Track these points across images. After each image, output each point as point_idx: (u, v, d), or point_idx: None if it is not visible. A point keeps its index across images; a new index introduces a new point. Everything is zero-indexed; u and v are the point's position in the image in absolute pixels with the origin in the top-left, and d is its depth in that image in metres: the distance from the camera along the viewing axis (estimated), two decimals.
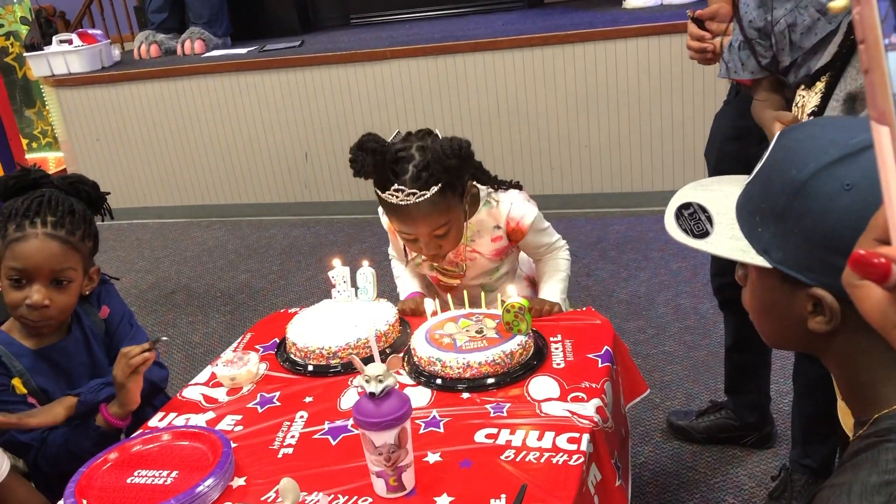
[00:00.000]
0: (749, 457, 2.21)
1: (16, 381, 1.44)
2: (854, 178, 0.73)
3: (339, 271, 1.59)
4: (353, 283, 1.62)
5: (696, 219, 0.85)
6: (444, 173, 1.50)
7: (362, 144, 1.52)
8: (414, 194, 1.50)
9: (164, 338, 1.57)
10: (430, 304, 1.57)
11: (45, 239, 1.42)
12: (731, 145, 1.88)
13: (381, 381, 1.07)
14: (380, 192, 1.56)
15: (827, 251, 0.75)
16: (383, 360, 1.10)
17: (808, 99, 1.35)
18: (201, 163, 4.59)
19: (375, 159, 1.51)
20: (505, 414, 1.27)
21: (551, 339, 1.49)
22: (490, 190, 1.70)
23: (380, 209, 1.75)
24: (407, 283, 1.87)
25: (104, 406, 1.43)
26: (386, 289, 1.81)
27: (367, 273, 1.61)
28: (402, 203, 1.52)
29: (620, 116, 3.84)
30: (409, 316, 1.67)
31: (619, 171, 3.95)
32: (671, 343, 2.82)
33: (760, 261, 0.80)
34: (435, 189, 1.51)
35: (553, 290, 1.75)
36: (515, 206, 1.68)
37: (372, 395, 1.08)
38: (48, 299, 1.42)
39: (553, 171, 4.02)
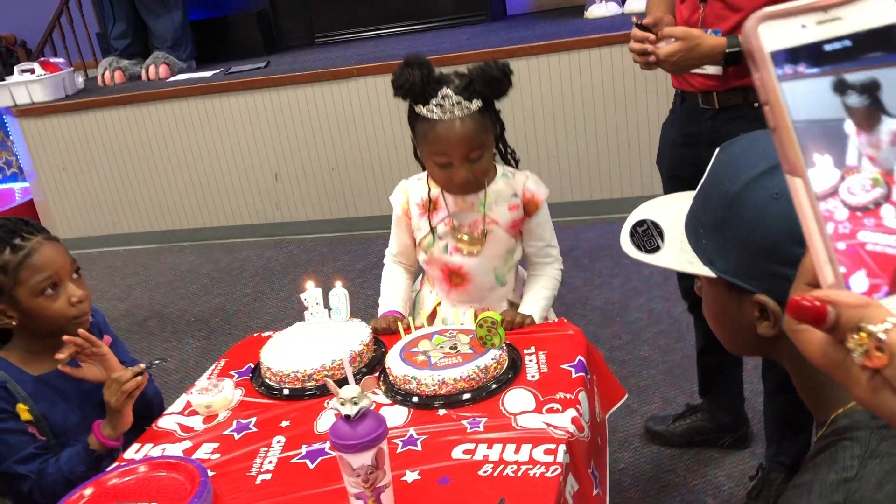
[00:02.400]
0: (727, 458, 2.24)
1: (21, 407, 1.43)
2: (781, 187, 0.75)
3: (311, 293, 1.59)
4: (326, 305, 1.62)
5: (648, 235, 0.89)
6: (487, 86, 1.58)
7: (408, 62, 1.58)
8: (459, 104, 1.57)
9: (157, 361, 1.57)
10: (401, 325, 1.58)
11: (48, 243, 1.45)
12: (682, 151, 1.91)
13: (355, 403, 1.07)
14: (421, 109, 1.60)
15: (764, 259, 0.78)
16: (358, 382, 1.11)
17: None
18: (170, 187, 4.56)
19: (422, 73, 1.56)
20: (482, 429, 1.28)
21: (525, 351, 1.50)
22: (506, 167, 1.77)
23: (392, 198, 1.81)
24: (389, 299, 1.84)
25: (97, 427, 1.42)
26: (361, 306, 1.81)
27: (339, 293, 1.61)
28: (445, 118, 1.57)
29: (587, 125, 3.88)
30: (384, 335, 1.67)
31: (589, 180, 3.98)
32: (646, 348, 2.85)
33: (707, 271, 0.83)
34: (478, 103, 1.59)
35: (534, 304, 1.75)
36: (531, 180, 1.76)
37: (347, 417, 1.08)
38: (83, 292, 1.47)
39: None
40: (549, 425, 1.26)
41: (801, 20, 0.43)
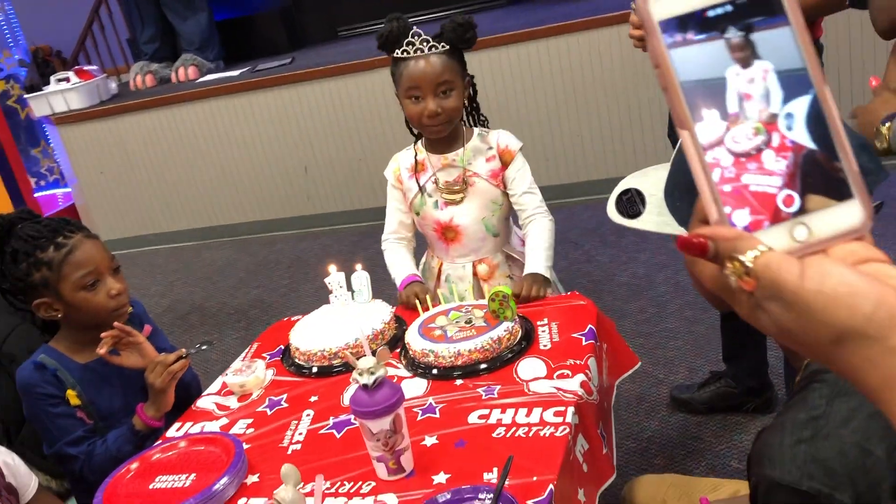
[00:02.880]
0: (752, 422, 2.28)
1: (70, 393, 1.54)
2: None
3: (334, 277, 1.68)
4: (350, 287, 1.71)
5: (632, 202, 0.95)
6: (453, 32, 1.74)
7: (388, 18, 1.77)
8: (427, 42, 1.73)
9: (202, 346, 1.68)
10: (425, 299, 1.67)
11: (88, 241, 1.55)
12: None
13: (372, 374, 1.16)
14: (396, 53, 1.77)
15: None
16: (374, 355, 1.19)
17: None
18: (206, 185, 4.70)
19: (398, 24, 1.74)
20: (496, 395, 1.36)
21: (538, 322, 1.57)
22: (481, 129, 1.94)
23: (385, 171, 1.97)
24: (402, 267, 1.95)
25: (140, 409, 1.53)
26: (382, 288, 1.90)
27: (361, 276, 1.69)
28: (414, 55, 1.73)
29: (609, 103, 3.91)
30: (406, 311, 1.75)
31: (613, 157, 4.02)
32: (672, 320, 2.89)
33: (682, 231, 0.89)
34: (445, 46, 1.74)
35: (538, 260, 1.83)
36: (503, 134, 1.92)
37: (365, 386, 1.16)
38: (121, 286, 1.57)
39: (548, 162, 4.09)
40: (559, 389, 1.32)
41: None
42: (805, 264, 0.46)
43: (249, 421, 1.47)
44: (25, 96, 4.85)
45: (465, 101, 1.88)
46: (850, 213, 0.48)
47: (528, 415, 1.28)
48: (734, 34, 0.48)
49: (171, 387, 1.52)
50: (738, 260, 0.47)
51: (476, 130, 1.92)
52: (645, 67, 3.75)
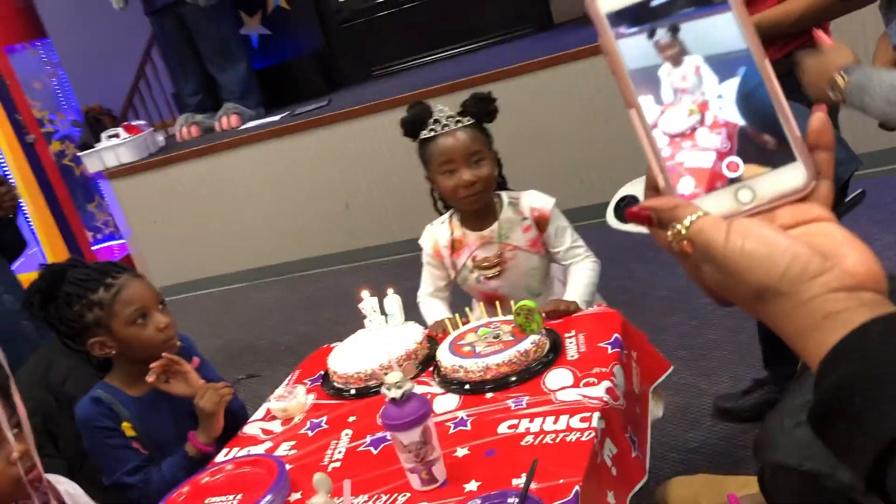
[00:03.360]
0: None
1: (125, 425, 1.63)
2: None
3: (367, 302, 1.75)
4: (383, 311, 1.77)
5: (630, 207, 0.99)
6: (475, 106, 1.82)
7: (408, 107, 1.90)
8: (452, 118, 1.81)
9: (242, 377, 1.77)
10: (458, 322, 1.72)
11: (134, 279, 1.66)
12: None
13: (399, 387, 1.21)
14: (422, 134, 1.85)
15: None
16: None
17: None
18: (251, 227, 4.85)
19: (418, 109, 1.86)
20: (524, 406, 1.40)
21: (566, 334, 1.61)
22: (509, 195, 1.93)
23: (421, 241, 2.01)
24: (435, 315, 1.99)
25: (192, 436, 1.61)
26: (415, 312, 1.97)
27: (393, 300, 1.76)
28: (441, 132, 1.80)
29: None
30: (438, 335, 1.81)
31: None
32: (713, 330, 2.88)
33: None
34: (470, 120, 1.81)
35: (574, 291, 1.87)
36: (535, 197, 1.93)
37: (394, 400, 1.22)
38: (168, 319, 1.67)
39: (583, 183, 4.13)
40: (585, 396, 1.36)
41: None
42: (731, 227, 0.50)
43: (292, 443, 1.54)
44: (79, 154, 5.09)
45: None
46: (793, 175, 0.53)
47: (555, 422, 1.32)
48: (671, 23, 0.54)
49: (221, 411, 1.60)
50: (675, 227, 0.52)
51: (506, 199, 1.93)
52: None
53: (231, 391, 1.61)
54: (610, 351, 1.50)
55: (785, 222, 0.52)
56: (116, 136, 4.85)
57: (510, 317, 1.64)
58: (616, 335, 1.55)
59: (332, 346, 1.90)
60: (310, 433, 1.56)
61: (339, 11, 5.64)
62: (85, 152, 4.94)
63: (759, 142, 0.53)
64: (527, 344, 1.51)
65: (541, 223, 1.91)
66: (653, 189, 0.55)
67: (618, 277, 3.52)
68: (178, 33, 5.15)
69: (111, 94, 6.98)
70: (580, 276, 1.91)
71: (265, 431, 1.62)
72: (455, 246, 1.95)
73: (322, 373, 1.80)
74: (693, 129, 0.54)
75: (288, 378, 1.85)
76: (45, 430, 1.88)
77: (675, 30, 0.54)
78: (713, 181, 0.54)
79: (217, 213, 4.87)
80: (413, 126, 1.85)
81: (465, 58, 5.27)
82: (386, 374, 1.56)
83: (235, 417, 1.73)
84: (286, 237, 4.82)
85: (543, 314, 1.70)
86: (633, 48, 0.54)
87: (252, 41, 5.78)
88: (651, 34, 0.54)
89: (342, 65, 5.86)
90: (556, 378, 1.46)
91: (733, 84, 0.54)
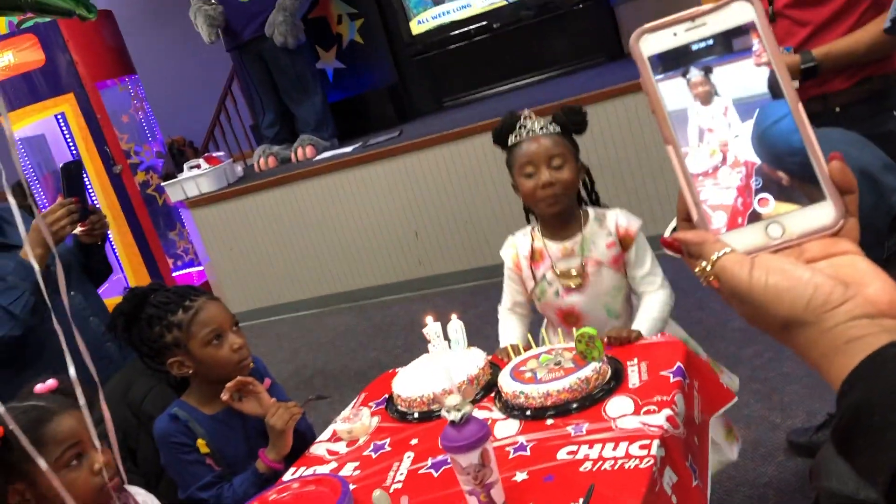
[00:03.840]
0: None
1: (200, 442, 1.71)
2: None
3: (431, 327, 1.79)
4: (446, 337, 1.80)
5: None
6: (565, 116, 1.84)
7: (501, 120, 1.92)
8: (537, 123, 1.85)
9: (313, 398, 1.84)
10: (520, 349, 1.74)
11: (210, 302, 1.74)
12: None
13: (458, 410, 1.24)
14: (509, 140, 1.87)
15: None
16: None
17: None
18: (324, 255, 4.97)
19: (509, 119, 1.88)
20: (584, 433, 1.40)
21: (628, 362, 1.61)
22: (596, 210, 1.94)
23: (502, 252, 2.01)
24: (508, 336, 2.01)
25: (262, 453, 1.67)
26: (475, 339, 1.99)
27: (456, 325, 1.79)
28: (527, 137, 1.83)
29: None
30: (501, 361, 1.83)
31: None
32: (789, 363, 2.81)
33: None
34: (557, 128, 1.84)
35: (640, 323, 1.85)
36: (622, 216, 1.91)
37: (453, 422, 1.25)
38: (242, 340, 1.74)
39: (654, 212, 4.10)
40: (645, 424, 1.36)
41: (672, 30, 0.57)
42: (755, 263, 0.53)
43: (356, 464, 1.58)
44: (162, 184, 5.32)
45: (581, 184, 1.92)
46: (823, 213, 0.55)
47: (614, 448, 1.32)
48: (706, 65, 0.56)
49: (290, 428, 1.66)
50: (702, 263, 0.54)
51: (591, 213, 1.92)
52: None
53: (300, 410, 1.67)
54: (672, 380, 1.49)
55: (814, 255, 0.54)
56: (197, 166, 5.06)
57: (572, 344, 1.65)
58: (679, 364, 1.54)
59: (397, 370, 1.93)
60: (373, 455, 1.59)
61: (412, 44, 5.77)
62: (167, 182, 5.16)
63: (790, 181, 0.55)
64: (588, 371, 1.51)
65: (625, 242, 1.89)
66: (684, 220, 0.57)
67: (691, 309, 3.46)
68: (257, 68, 5.36)
69: (194, 126, 7.31)
70: (651, 309, 1.87)
71: (331, 452, 1.67)
72: (536, 256, 1.94)
73: (387, 396, 1.83)
74: (720, 168, 0.56)
75: (354, 401, 1.90)
76: (125, 447, 1.97)
77: (709, 72, 0.56)
78: (744, 216, 0.56)
79: (291, 241, 5.01)
80: (501, 133, 1.89)
81: (535, 88, 5.32)
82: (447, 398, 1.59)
83: (304, 438, 1.78)
84: (357, 265, 4.92)
85: (606, 340, 1.70)
86: (673, 89, 0.57)
87: (328, 75, 5.97)
88: (688, 75, 0.56)
89: (414, 96, 5.99)
90: (617, 405, 1.46)
91: (764, 125, 0.56)
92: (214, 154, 5.33)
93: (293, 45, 5.08)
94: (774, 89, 0.55)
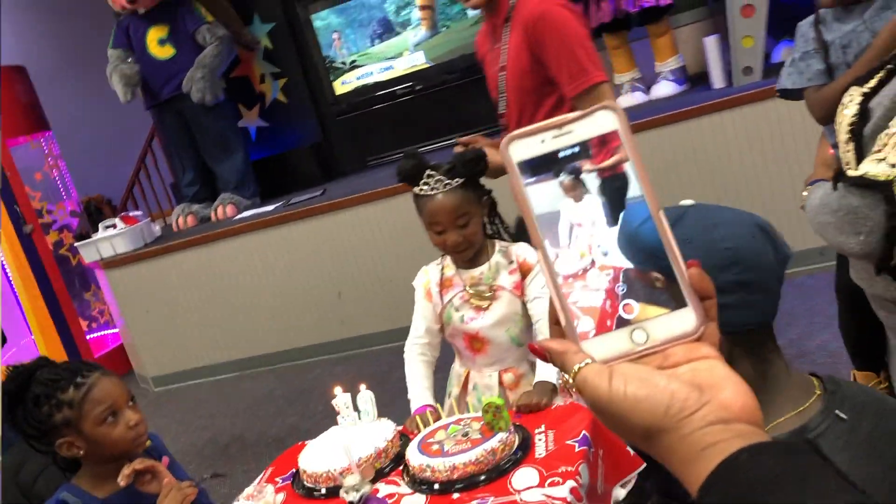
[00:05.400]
0: None
1: None
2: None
3: (340, 398, 1.75)
4: (356, 408, 1.77)
5: None
6: (464, 167, 1.90)
7: (405, 155, 1.98)
8: (441, 181, 1.89)
9: (207, 476, 1.75)
10: (429, 419, 1.71)
11: (105, 377, 1.65)
12: None
13: (357, 491, 1.21)
14: (416, 189, 1.95)
15: None
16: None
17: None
18: (244, 317, 4.86)
19: (414, 161, 1.94)
20: None
21: (536, 430, 1.61)
22: (500, 244, 2.06)
23: (415, 282, 2.13)
24: (417, 394, 2.02)
25: None
26: (388, 410, 1.96)
27: (365, 396, 1.76)
28: (432, 193, 1.90)
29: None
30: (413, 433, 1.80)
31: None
32: None
33: None
34: (459, 181, 1.90)
35: (547, 367, 1.85)
36: (522, 247, 2.04)
37: (351, 503, 1.21)
38: (138, 416, 1.65)
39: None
40: (549, 497, 1.35)
41: (540, 136, 0.58)
42: (614, 373, 0.54)
43: None
44: (76, 244, 5.15)
45: (485, 219, 2.03)
46: (685, 319, 0.56)
47: None
48: (572, 173, 0.57)
49: None
50: (564, 376, 0.54)
51: (497, 246, 2.05)
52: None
53: (195, 491, 1.59)
54: (577, 449, 1.49)
55: (678, 360, 0.55)
56: (113, 226, 4.92)
57: (477, 414, 1.64)
58: (584, 433, 1.54)
59: (305, 442, 1.88)
60: None
61: (336, 104, 5.79)
62: (81, 243, 5.00)
63: (653, 287, 0.56)
64: (494, 442, 1.50)
65: (524, 270, 2.01)
66: (555, 324, 0.57)
67: None
68: (177, 126, 5.28)
69: (113, 184, 7.13)
70: None
71: None
72: (445, 283, 2.06)
73: (294, 471, 1.78)
74: (589, 270, 0.57)
75: (259, 477, 1.83)
76: None
77: (578, 175, 0.57)
78: (610, 321, 0.56)
79: (210, 302, 4.89)
80: (407, 177, 1.96)
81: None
82: (341, 474, 1.55)
83: None
84: (279, 326, 4.82)
85: (515, 409, 1.70)
86: (542, 193, 0.57)
87: (251, 133, 5.92)
88: (557, 179, 0.57)
89: (338, 155, 5.98)
90: (523, 477, 1.44)
91: (628, 230, 0.57)
92: (132, 213, 5.19)
93: (211, 102, 5.04)
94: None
